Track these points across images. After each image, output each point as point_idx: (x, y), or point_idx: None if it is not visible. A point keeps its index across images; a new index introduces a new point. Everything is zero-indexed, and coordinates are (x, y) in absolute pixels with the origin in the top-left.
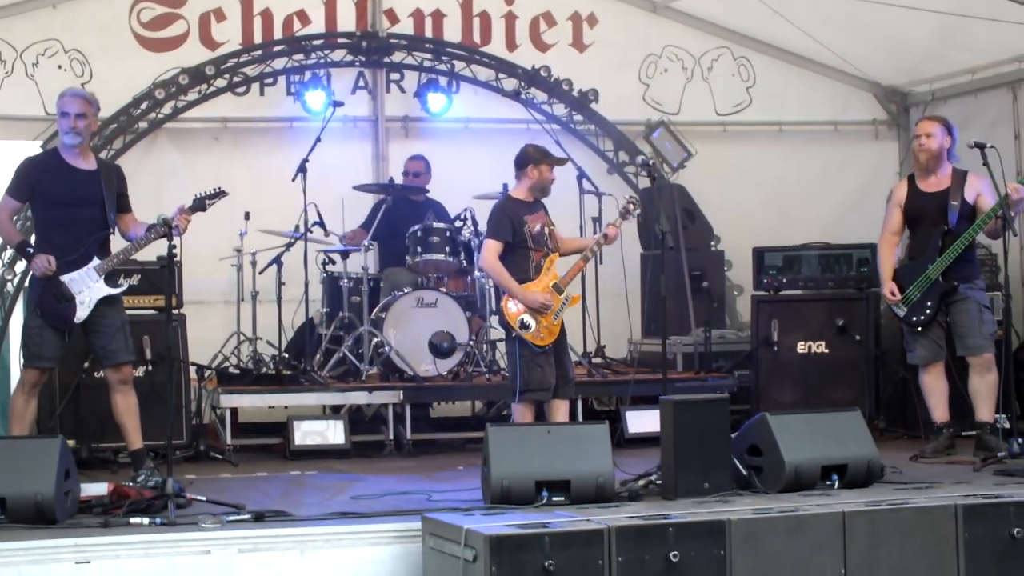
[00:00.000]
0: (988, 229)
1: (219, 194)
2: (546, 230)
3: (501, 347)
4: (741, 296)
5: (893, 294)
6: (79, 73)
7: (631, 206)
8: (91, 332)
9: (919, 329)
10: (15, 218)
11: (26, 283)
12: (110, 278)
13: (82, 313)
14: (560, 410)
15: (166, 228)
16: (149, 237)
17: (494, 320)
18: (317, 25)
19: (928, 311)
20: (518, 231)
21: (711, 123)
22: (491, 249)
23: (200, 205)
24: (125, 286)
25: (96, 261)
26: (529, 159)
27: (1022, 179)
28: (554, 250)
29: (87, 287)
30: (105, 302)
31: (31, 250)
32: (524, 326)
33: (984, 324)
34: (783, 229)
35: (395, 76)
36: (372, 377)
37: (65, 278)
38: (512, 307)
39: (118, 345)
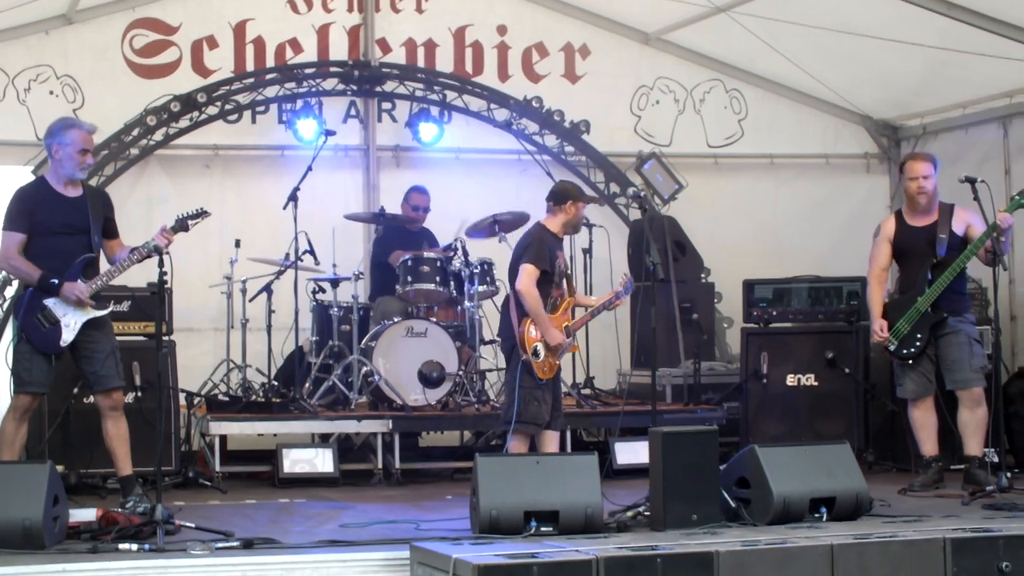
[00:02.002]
0: (980, 257)
1: (201, 214)
2: (565, 270)
3: (491, 377)
4: (731, 328)
5: (882, 330)
6: (71, 99)
7: (628, 282)
8: (81, 358)
9: (910, 362)
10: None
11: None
12: (96, 301)
13: (68, 336)
14: (551, 441)
15: (149, 250)
16: (132, 259)
17: (484, 350)
18: (309, 53)
19: (918, 343)
20: (552, 264)
21: (703, 155)
22: (531, 274)
23: (182, 225)
24: (111, 308)
25: (80, 284)
26: (569, 195)
27: (1010, 208)
28: (571, 293)
29: (71, 310)
30: (93, 327)
31: (56, 281)
32: (535, 354)
33: (974, 358)
34: (773, 261)
35: (387, 105)
36: (361, 406)
37: (49, 301)
38: (533, 332)
39: (108, 371)
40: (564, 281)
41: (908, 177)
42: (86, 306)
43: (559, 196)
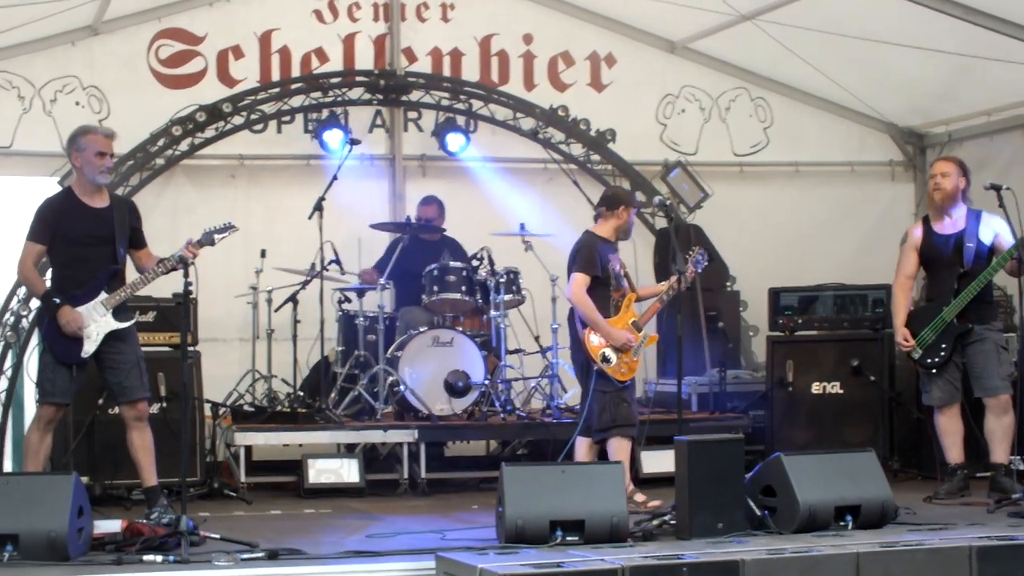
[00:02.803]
0: (1007, 268)
1: (228, 228)
2: (623, 271)
3: (516, 387)
4: (756, 336)
5: (906, 340)
6: (96, 109)
7: (699, 258)
8: (106, 368)
9: (934, 371)
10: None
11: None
12: (120, 312)
13: (89, 347)
14: (624, 449)
15: (174, 262)
16: (158, 271)
17: (510, 360)
18: (335, 63)
19: (943, 353)
20: (603, 268)
21: (728, 163)
22: (580, 283)
23: (208, 239)
24: (134, 320)
25: (103, 295)
26: (622, 200)
27: None
28: (632, 290)
29: (94, 321)
30: (117, 337)
31: (57, 301)
32: (605, 360)
33: (1002, 365)
34: (799, 270)
35: (413, 115)
36: (387, 416)
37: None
38: (595, 340)
39: (133, 381)
40: (624, 282)
41: (929, 176)
42: (101, 320)
43: (612, 201)
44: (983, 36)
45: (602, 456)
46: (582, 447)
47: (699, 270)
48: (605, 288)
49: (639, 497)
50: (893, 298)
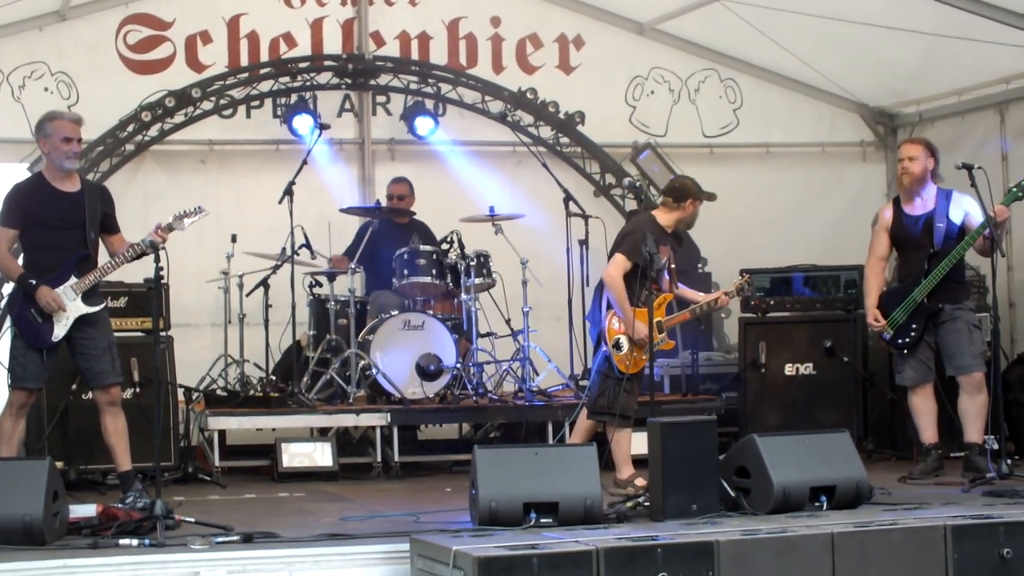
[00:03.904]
0: (977, 247)
1: (198, 212)
2: (668, 266)
3: (488, 370)
4: (728, 318)
5: (877, 320)
6: (65, 95)
7: (746, 286)
8: (77, 354)
9: (905, 351)
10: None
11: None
12: (90, 297)
13: (59, 331)
14: (624, 440)
15: (144, 246)
16: (128, 256)
17: (482, 343)
18: (303, 48)
19: (913, 334)
20: (650, 259)
21: (698, 145)
22: (620, 265)
23: (178, 224)
24: (104, 304)
25: (73, 279)
26: (690, 193)
27: (1007, 200)
28: (668, 291)
29: (64, 305)
30: (88, 322)
31: (34, 283)
32: (617, 346)
33: (974, 344)
34: (770, 251)
35: (381, 99)
36: (359, 399)
37: None
38: (616, 324)
39: (105, 367)
40: (666, 276)
41: (897, 159)
42: (66, 311)
43: (680, 193)
44: (955, 16)
45: (601, 431)
46: (580, 422)
47: (738, 296)
48: (644, 278)
49: (640, 482)
50: (865, 279)
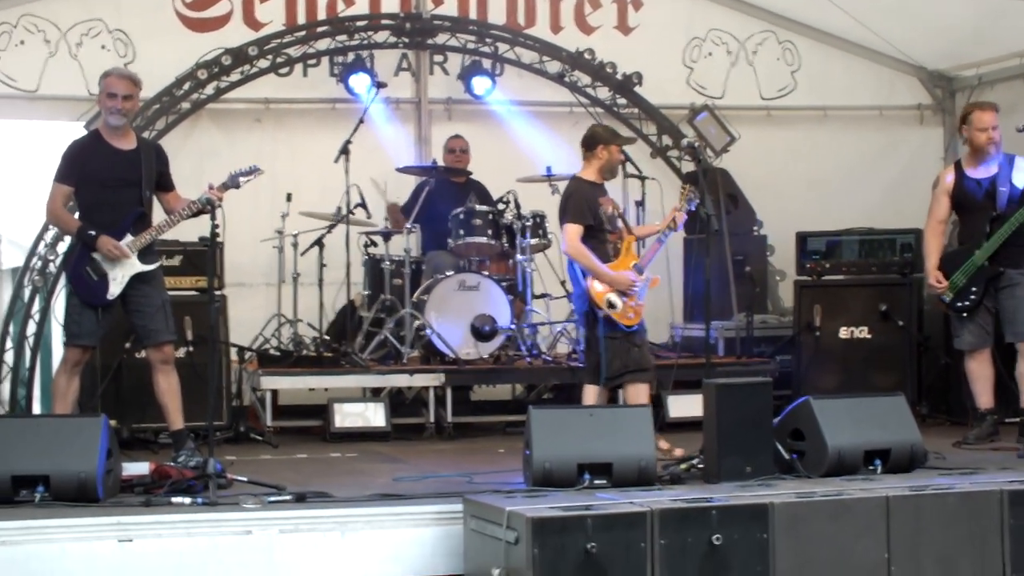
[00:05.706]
0: None
1: (254, 171)
2: (616, 212)
3: (543, 330)
4: (783, 281)
5: (939, 282)
6: (122, 53)
7: (692, 195)
8: (132, 311)
9: (964, 315)
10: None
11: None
12: (145, 255)
13: (115, 289)
14: (642, 394)
15: (200, 205)
16: (184, 214)
17: (536, 304)
18: (361, 6)
19: (973, 297)
20: (595, 214)
21: (755, 107)
22: (574, 233)
23: (233, 182)
24: (160, 263)
25: (128, 237)
26: (599, 139)
27: None
28: (629, 232)
29: (119, 264)
30: (143, 280)
31: (93, 233)
32: (611, 305)
33: None
34: (826, 214)
35: (439, 58)
36: (413, 360)
37: (98, 255)
38: (598, 287)
39: (159, 324)
40: (619, 223)
41: (976, 128)
42: (129, 259)
43: (590, 141)
44: None
45: (611, 403)
46: (589, 394)
47: (693, 208)
48: (601, 233)
49: (663, 444)
50: (925, 242)
